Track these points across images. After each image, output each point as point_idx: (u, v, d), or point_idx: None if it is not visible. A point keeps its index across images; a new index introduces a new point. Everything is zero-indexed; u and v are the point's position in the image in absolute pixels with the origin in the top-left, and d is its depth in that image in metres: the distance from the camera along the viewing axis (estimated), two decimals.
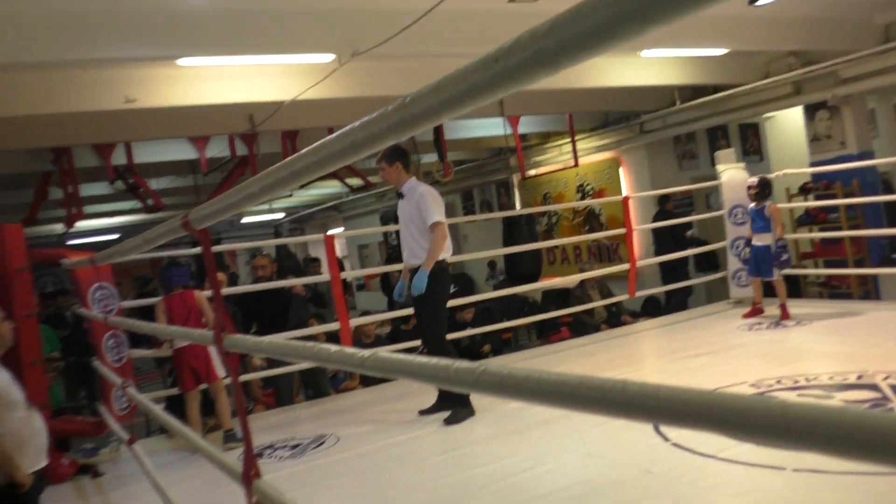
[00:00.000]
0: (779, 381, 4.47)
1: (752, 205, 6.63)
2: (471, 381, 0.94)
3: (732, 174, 7.54)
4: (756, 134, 11.72)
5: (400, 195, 4.78)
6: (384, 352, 1.25)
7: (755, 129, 11.70)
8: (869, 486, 2.73)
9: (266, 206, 18.07)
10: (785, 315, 6.36)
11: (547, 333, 8.12)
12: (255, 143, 8.82)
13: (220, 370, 4.79)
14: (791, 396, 4.13)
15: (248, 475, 1.92)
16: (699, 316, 7.31)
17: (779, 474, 2.97)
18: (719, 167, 7.67)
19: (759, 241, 6.53)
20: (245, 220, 19.57)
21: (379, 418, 4.91)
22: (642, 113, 10.45)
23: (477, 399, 4.44)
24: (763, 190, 6.57)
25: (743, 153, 11.09)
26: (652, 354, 6.23)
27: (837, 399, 4.03)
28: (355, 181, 11.68)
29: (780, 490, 2.89)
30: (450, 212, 16.81)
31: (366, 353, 1.19)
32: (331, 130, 8.30)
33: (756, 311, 6.67)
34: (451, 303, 5.36)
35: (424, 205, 4.62)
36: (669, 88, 9.41)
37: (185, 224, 2.04)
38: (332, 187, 15.15)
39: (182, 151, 9.36)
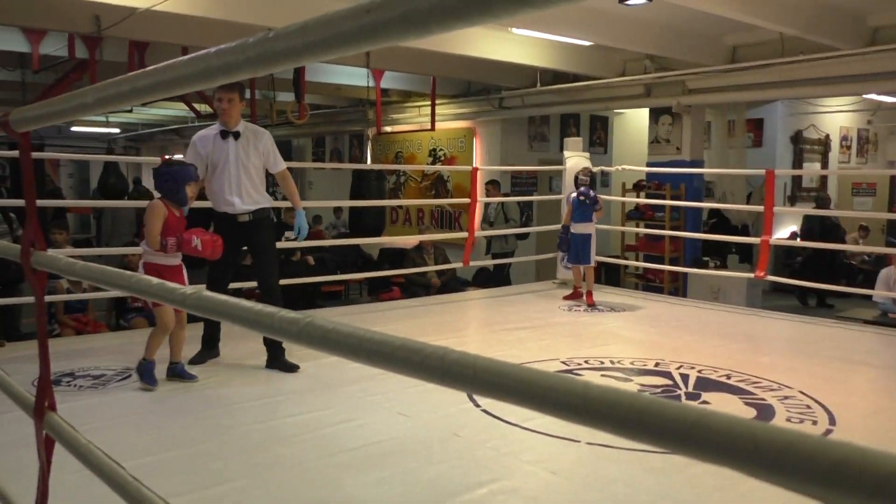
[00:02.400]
0: (587, 361, 4.79)
1: (575, 194, 6.80)
2: (294, 331, 0.93)
3: (577, 162, 7.88)
4: (604, 127, 12.34)
5: (233, 134, 4.31)
6: (207, 292, 1.20)
7: (604, 123, 12.31)
8: (648, 461, 3.03)
9: (102, 119, 16.79)
10: (590, 300, 6.72)
11: (378, 291, 8.19)
12: (98, 48, 8.12)
13: None
14: (595, 376, 4.45)
15: (41, 406, 1.78)
16: (526, 292, 7.65)
17: (573, 446, 3.22)
18: (566, 153, 8.00)
19: (583, 229, 6.73)
20: (76, 128, 18.09)
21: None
22: (503, 88, 10.67)
23: (297, 348, 4.41)
24: (593, 181, 6.88)
25: (590, 143, 11.65)
26: (475, 323, 6.45)
27: (635, 382, 4.38)
28: (204, 108, 11.10)
29: (573, 460, 3.13)
30: (299, 156, 16.51)
31: (188, 289, 1.15)
32: (185, 50, 7.84)
33: (577, 295, 6.95)
34: (297, 246, 5.29)
35: (274, 149, 4.50)
36: (533, 69, 9.67)
37: (5, 124, 1.85)
38: (177, 110, 14.32)
39: (12, 42, 8.45)
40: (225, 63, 1.03)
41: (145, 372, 4.02)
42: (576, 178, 6.93)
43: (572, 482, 2.94)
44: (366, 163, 13.33)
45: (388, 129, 12.59)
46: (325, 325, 0.92)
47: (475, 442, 3.30)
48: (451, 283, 8.18)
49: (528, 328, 5.82)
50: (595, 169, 8.10)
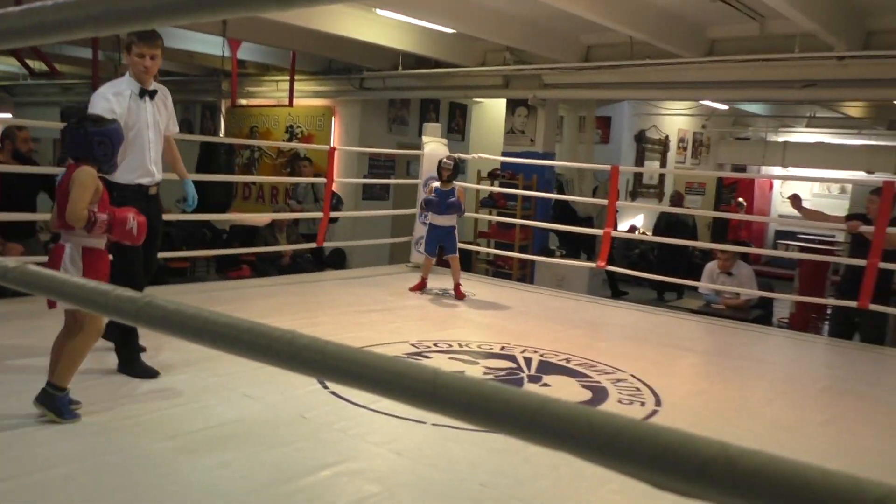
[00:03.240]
0: (435, 344, 4.87)
1: (438, 184, 6.58)
2: (132, 311, 0.87)
3: (435, 147, 7.97)
4: (463, 115, 12.52)
5: (149, 93, 3.86)
6: (33, 265, 1.11)
7: (464, 111, 12.49)
8: (490, 441, 3.13)
9: None
10: (459, 293, 6.54)
11: (227, 269, 7.92)
12: None
13: None
14: (443, 359, 4.54)
15: None
16: (380, 274, 7.67)
17: (419, 427, 3.27)
18: (425, 138, 8.06)
19: (446, 221, 6.56)
20: None
21: (24, 334, 4.41)
22: (365, 69, 10.57)
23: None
24: (455, 172, 6.61)
25: (448, 130, 11.79)
26: (327, 305, 6.38)
27: (481, 365, 4.51)
28: (38, 65, 10.21)
29: (419, 441, 3.18)
30: None
31: (11, 262, 1.05)
32: (19, 0, 7.17)
33: (423, 285, 6.72)
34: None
35: (173, 110, 4.09)
36: (395, 52, 9.64)
37: None
38: (6, 65, 13.11)
39: None
40: (62, 19, 0.94)
41: (62, 406, 3.10)
42: (439, 164, 6.66)
43: (417, 462, 2.99)
44: (218, 135, 12.80)
45: (243, 102, 12.13)
46: (167, 306, 0.87)
47: (322, 424, 3.27)
48: (303, 263, 8.04)
49: (379, 311, 5.83)
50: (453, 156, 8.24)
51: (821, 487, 0.54)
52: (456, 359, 4.61)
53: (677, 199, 11.46)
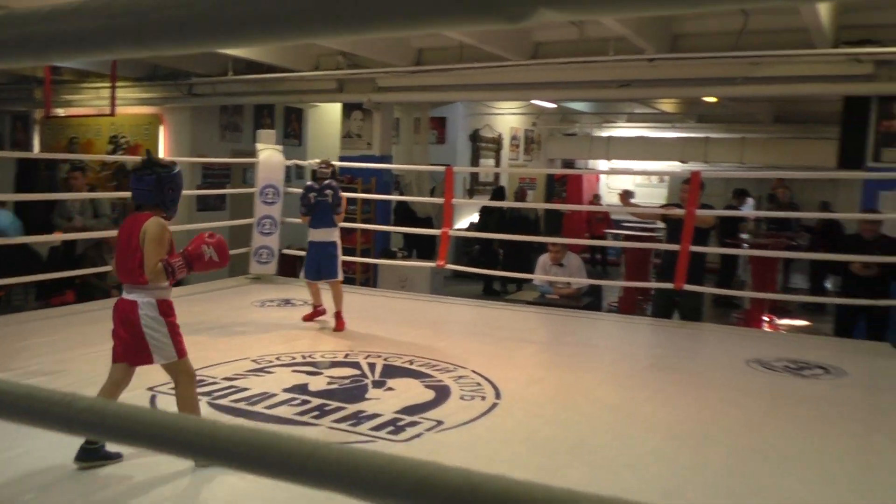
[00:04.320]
0: (278, 358, 4.82)
1: (315, 192, 5.77)
2: None
3: (269, 155, 7.84)
4: (299, 119, 12.37)
5: None
6: None
7: (299, 115, 12.34)
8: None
9: None
10: (340, 325, 5.72)
11: (49, 295, 7.38)
12: None
13: None
14: (286, 372, 4.50)
15: None
16: (218, 289, 7.43)
17: None
18: (259, 145, 7.91)
19: (324, 236, 5.71)
20: None
21: None
22: (193, 75, 10.19)
23: None
24: (333, 175, 5.90)
25: (284, 135, 11.61)
26: None
27: (325, 375, 4.51)
28: None
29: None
30: None
31: None
32: None
33: (318, 313, 5.83)
34: None
35: None
36: (225, 57, 9.37)
37: None
38: None
39: None
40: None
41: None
42: (314, 172, 6.00)
43: None
44: (32, 149, 11.88)
45: (60, 111, 11.35)
46: None
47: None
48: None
49: (217, 327, 5.68)
50: (289, 162, 8.13)
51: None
52: (299, 371, 4.58)
53: (521, 195, 11.91)
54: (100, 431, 0.76)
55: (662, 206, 6.83)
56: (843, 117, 7.54)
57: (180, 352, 3.11)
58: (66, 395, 0.78)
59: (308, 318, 5.81)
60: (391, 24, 0.62)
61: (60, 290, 7.13)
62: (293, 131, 12.21)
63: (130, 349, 3.07)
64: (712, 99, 10.19)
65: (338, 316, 5.74)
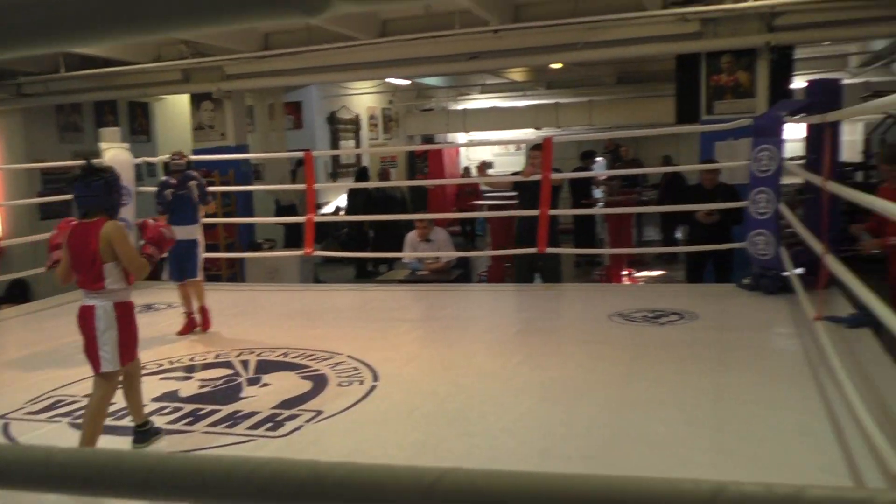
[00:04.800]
0: (144, 367, 4.59)
1: (171, 188, 5.46)
2: None
3: (115, 154, 7.43)
4: (146, 114, 11.78)
5: None
6: None
7: (145, 109, 11.75)
8: None
9: None
10: (207, 324, 5.48)
11: None
12: None
13: None
14: (154, 380, 4.33)
15: None
16: (72, 301, 6.96)
17: None
18: (103, 145, 7.48)
19: (184, 234, 5.21)
20: None
21: None
22: (21, 74, 9.46)
23: None
24: (189, 165, 5.57)
25: (131, 132, 11.03)
26: (11, 347, 5.65)
27: (196, 379, 4.38)
28: None
29: None
30: None
31: None
32: None
33: (191, 325, 5.49)
34: None
35: None
36: (54, 53, 8.74)
37: None
38: None
39: None
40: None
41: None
42: (166, 165, 5.63)
43: None
44: None
45: None
46: None
47: None
48: None
49: (74, 342, 5.31)
50: (138, 160, 7.74)
51: (389, 482, 0.64)
52: (168, 377, 4.42)
53: (384, 175, 11.91)
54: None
55: (513, 174, 7.05)
56: (677, 75, 8.00)
57: (123, 360, 3.23)
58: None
59: (183, 332, 5.43)
60: (183, 22, 0.60)
61: None
62: (140, 127, 11.62)
63: (90, 354, 3.21)
64: (558, 65, 10.56)
65: (203, 311, 5.49)
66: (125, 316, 3.24)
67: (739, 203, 6.13)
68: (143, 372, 4.48)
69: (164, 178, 5.71)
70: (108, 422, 3.69)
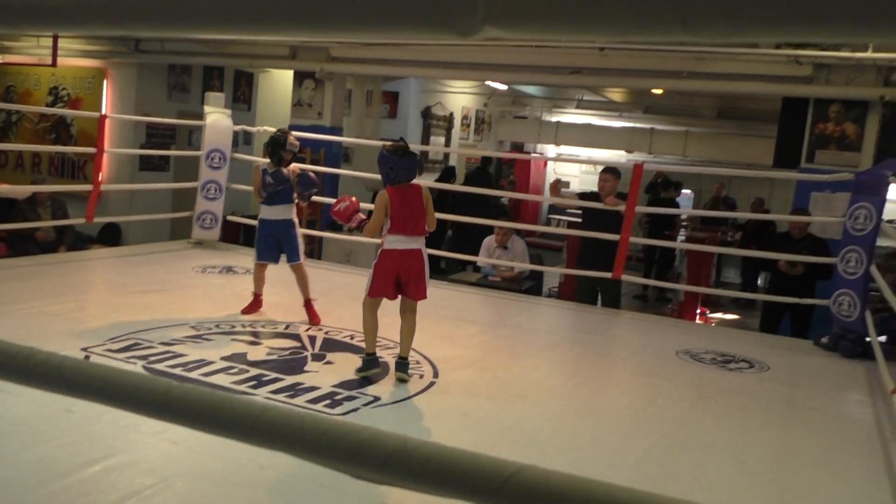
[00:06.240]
0: (217, 325, 4.79)
1: (267, 165, 5.05)
2: None
3: (217, 118, 7.71)
4: (249, 84, 12.15)
5: None
6: None
7: (250, 79, 12.12)
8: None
9: None
10: (314, 316, 5.13)
11: None
12: None
13: None
14: (225, 340, 4.49)
15: None
16: (159, 251, 7.32)
17: None
18: (207, 108, 7.76)
19: (281, 214, 5.07)
20: None
21: None
22: None
23: None
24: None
25: (234, 99, 11.41)
26: (99, 286, 6.02)
27: (265, 345, 4.52)
28: None
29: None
30: None
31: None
32: None
33: (257, 304, 5.26)
34: None
35: None
36: None
37: None
38: None
39: None
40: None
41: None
42: (277, 141, 5.04)
43: (193, 451, 2.97)
44: None
45: None
46: None
47: (90, 416, 3.13)
48: (70, 240, 7.47)
49: (157, 291, 5.60)
50: (237, 127, 8.01)
51: (469, 467, 0.68)
52: (238, 340, 4.57)
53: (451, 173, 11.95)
54: (58, 385, 0.79)
55: (578, 196, 7.03)
56: (781, 117, 7.79)
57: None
58: (24, 348, 0.81)
59: (246, 312, 5.18)
60: (359, 29, 0.66)
61: None
62: (242, 95, 12.00)
63: (419, 286, 4.09)
64: (659, 91, 10.41)
65: (308, 305, 5.13)
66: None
67: (827, 259, 5.93)
68: (217, 331, 4.69)
69: (270, 169, 5.03)
70: (179, 372, 3.85)
